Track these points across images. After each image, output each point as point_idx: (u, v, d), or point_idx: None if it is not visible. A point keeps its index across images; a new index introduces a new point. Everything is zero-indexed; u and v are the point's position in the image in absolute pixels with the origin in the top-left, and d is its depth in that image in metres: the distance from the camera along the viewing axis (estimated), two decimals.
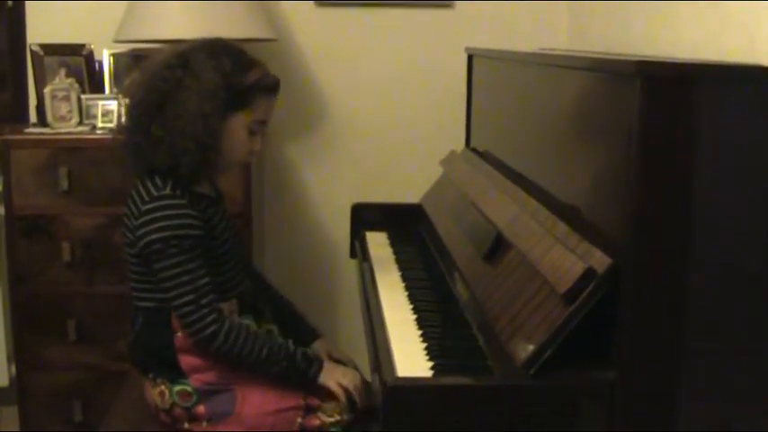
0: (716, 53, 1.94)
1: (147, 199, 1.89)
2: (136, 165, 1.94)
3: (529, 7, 3.20)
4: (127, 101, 2.02)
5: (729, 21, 1.90)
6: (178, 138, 1.87)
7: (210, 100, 1.87)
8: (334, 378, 1.98)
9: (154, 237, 1.86)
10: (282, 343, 1.96)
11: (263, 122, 1.98)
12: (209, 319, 1.86)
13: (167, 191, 1.89)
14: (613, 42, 2.67)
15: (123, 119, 2.03)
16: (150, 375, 1.98)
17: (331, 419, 1.99)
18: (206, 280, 1.88)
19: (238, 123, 1.93)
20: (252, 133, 1.96)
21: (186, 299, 1.86)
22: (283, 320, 2.20)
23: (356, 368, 2.15)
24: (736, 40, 1.86)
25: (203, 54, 1.91)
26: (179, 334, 1.93)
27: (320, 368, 1.97)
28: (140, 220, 1.88)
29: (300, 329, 2.22)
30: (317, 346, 2.18)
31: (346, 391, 1.98)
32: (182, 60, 1.91)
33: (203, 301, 1.86)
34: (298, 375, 1.95)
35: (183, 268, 1.86)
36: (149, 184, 1.91)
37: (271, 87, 1.97)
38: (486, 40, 3.11)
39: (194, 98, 1.87)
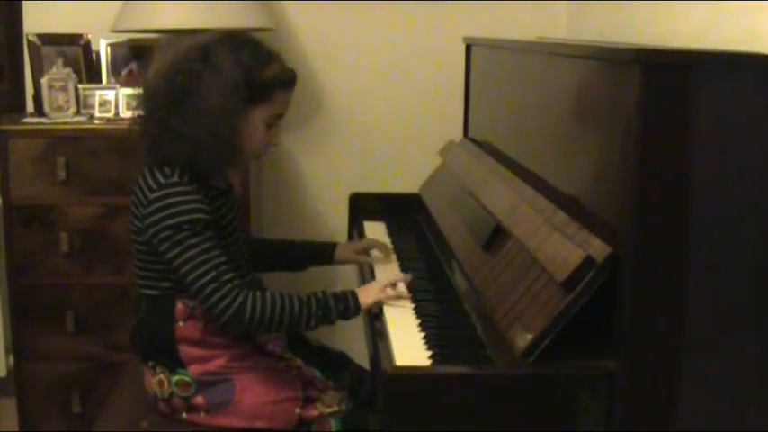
0: (715, 41, 1.93)
1: (155, 187, 1.88)
2: (150, 155, 1.92)
3: None
4: (141, 90, 1.99)
5: (728, 9, 1.89)
6: (200, 133, 1.85)
7: (231, 95, 1.85)
8: (375, 294, 1.97)
9: (166, 224, 1.84)
10: (309, 294, 1.93)
11: (280, 116, 1.97)
12: (234, 293, 1.83)
13: (175, 178, 1.88)
14: (612, 32, 2.66)
15: (137, 108, 2.01)
16: (150, 363, 1.98)
17: (329, 410, 1.99)
18: (223, 258, 1.86)
19: (258, 118, 1.91)
20: (269, 127, 1.95)
21: (206, 278, 1.83)
22: (300, 257, 2.32)
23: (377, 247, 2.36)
24: (735, 28, 1.86)
25: (224, 47, 1.88)
26: (180, 324, 1.93)
27: (356, 298, 1.95)
28: (150, 209, 1.87)
29: (318, 252, 2.34)
30: (340, 252, 2.33)
31: (395, 286, 2.00)
32: (202, 54, 1.88)
33: (224, 278, 1.84)
34: (341, 316, 1.94)
35: (199, 249, 1.84)
36: (157, 173, 1.89)
37: (289, 81, 1.95)
38: (485, 29, 3.10)
39: (215, 93, 1.85)
